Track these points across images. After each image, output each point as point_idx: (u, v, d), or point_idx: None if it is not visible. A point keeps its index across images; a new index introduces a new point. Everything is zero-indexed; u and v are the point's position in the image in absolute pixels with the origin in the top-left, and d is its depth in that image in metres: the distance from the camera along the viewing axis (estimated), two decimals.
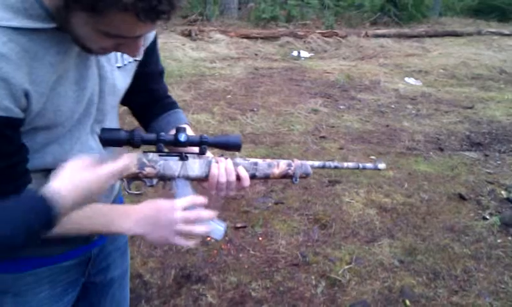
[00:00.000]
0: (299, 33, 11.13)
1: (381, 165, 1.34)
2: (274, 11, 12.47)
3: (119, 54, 1.08)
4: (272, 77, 7.83)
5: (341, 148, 4.83)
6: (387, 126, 5.66)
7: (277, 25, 12.19)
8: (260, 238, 3.19)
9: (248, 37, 10.82)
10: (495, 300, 2.66)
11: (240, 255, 3.00)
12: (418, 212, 3.60)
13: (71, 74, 0.97)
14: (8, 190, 0.89)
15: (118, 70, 1.09)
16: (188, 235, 1.10)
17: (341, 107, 6.39)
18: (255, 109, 6.02)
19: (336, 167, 1.33)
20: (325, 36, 11.12)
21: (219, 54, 9.36)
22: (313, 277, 2.83)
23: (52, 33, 0.89)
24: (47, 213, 0.84)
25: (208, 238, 3.13)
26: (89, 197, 0.92)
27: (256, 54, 9.71)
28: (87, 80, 1.00)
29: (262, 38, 10.89)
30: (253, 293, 2.67)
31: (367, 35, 11.43)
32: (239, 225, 3.29)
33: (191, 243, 1.11)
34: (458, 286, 2.78)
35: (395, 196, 3.82)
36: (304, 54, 10.02)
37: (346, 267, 2.92)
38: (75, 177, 0.89)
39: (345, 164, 1.34)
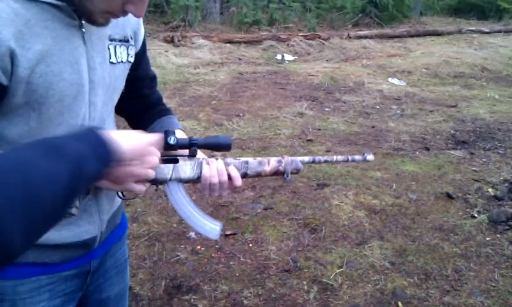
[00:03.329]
0: (281, 36, 11.16)
1: (370, 157, 1.34)
2: (256, 15, 12.48)
3: (112, 50, 1.10)
4: (256, 81, 7.83)
5: (328, 151, 4.83)
6: (373, 127, 5.68)
7: (260, 29, 12.20)
8: (251, 245, 3.16)
9: (230, 42, 10.80)
10: (487, 299, 2.67)
11: (231, 263, 2.98)
12: (407, 212, 3.61)
13: (65, 56, 0.98)
14: None
15: (110, 65, 1.11)
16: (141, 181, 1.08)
17: (326, 109, 6.41)
18: (241, 114, 6.01)
19: (326, 161, 1.33)
20: (308, 39, 11.15)
21: (202, 59, 9.32)
22: (305, 282, 2.81)
23: (47, 10, 0.93)
24: (105, 156, 0.79)
25: (199, 247, 3.10)
26: (139, 160, 0.97)
27: (240, 59, 9.69)
28: (79, 65, 1.02)
29: (245, 42, 10.89)
30: (245, 301, 2.65)
31: (349, 37, 11.49)
32: (228, 232, 3.27)
33: (144, 188, 1.09)
34: (449, 286, 2.79)
35: (383, 197, 3.83)
36: (288, 57, 10.04)
37: (338, 270, 2.91)
38: (132, 135, 0.92)
39: (335, 158, 1.34)
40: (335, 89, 7.40)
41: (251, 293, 2.71)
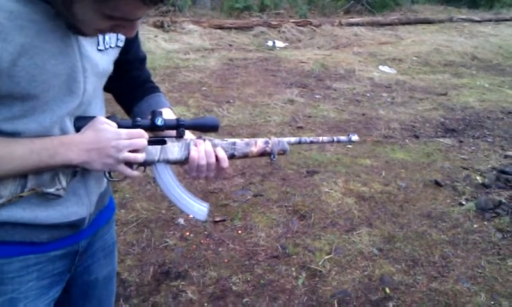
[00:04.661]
0: (272, 23, 11.10)
1: (354, 138, 1.39)
2: (247, 0, 12.40)
3: (101, 37, 1.10)
4: (247, 68, 7.79)
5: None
6: (363, 115, 5.68)
7: (250, 15, 12.13)
8: (240, 232, 3.16)
9: (221, 27, 10.73)
10: (473, 285, 2.69)
11: (220, 249, 2.97)
12: (395, 199, 3.62)
13: (49, 47, 0.96)
14: None
15: (98, 52, 1.10)
16: (131, 164, 1.11)
17: (317, 96, 6.39)
18: (231, 101, 5.98)
19: (312, 142, 1.38)
20: (299, 26, 11.11)
21: (192, 45, 9.25)
22: (293, 268, 2.82)
23: (33, 3, 0.91)
24: None
25: (187, 233, 3.09)
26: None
27: (230, 45, 9.64)
28: (66, 56, 1.00)
29: (235, 29, 10.82)
30: (234, 287, 2.65)
31: (340, 24, 11.46)
32: (217, 219, 3.26)
33: (135, 173, 1.12)
34: (437, 272, 2.81)
35: (372, 184, 3.84)
36: (279, 43, 10.00)
37: (326, 257, 2.91)
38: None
39: (321, 139, 1.39)
40: (325, 77, 7.38)
41: (239, 279, 2.71)
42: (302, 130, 5.07)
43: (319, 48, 9.77)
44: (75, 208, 1.13)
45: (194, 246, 2.98)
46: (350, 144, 4.59)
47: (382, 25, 11.90)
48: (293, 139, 1.33)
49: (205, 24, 10.67)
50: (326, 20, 11.94)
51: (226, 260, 2.87)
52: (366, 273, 2.78)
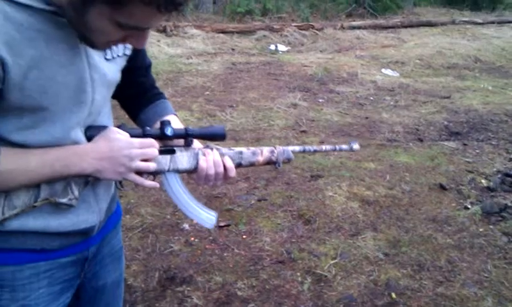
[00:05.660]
0: (275, 27, 11.10)
1: (355, 146, 1.44)
2: (249, 4, 12.42)
3: None
4: (250, 72, 7.79)
5: (322, 142, 4.83)
6: (366, 118, 5.68)
7: (253, 19, 12.15)
8: (244, 236, 3.15)
9: (223, 32, 10.74)
10: (480, 290, 2.68)
11: (225, 254, 2.97)
12: (400, 203, 3.61)
13: (58, 58, 0.96)
14: None
15: (106, 62, 1.10)
16: (143, 173, 1.13)
17: (320, 100, 6.39)
18: (234, 105, 5.98)
19: (315, 151, 1.43)
20: (301, 29, 11.11)
21: (195, 49, 9.27)
22: (299, 273, 2.81)
23: (41, 13, 0.91)
24: None
25: (192, 239, 3.09)
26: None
27: (233, 49, 9.65)
28: (75, 66, 1.00)
29: (238, 33, 10.83)
30: (239, 293, 2.64)
31: (342, 27, 11.47)
32: (222, 224, 3.26)
33: (147, 182, 1.13)
34: (443, 276, 2.80)
35: (377, 188, 3.83)
36: (282, 47, 10.00)
37: (331, 262, 2.91)
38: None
39: (324, 147, 1.45)
40: (328, 80, 7.38)
41: (245, 284, 2.70)
42: (305, 134, 5.06)
43: (322, 51, 9.77)
44: (85, 215, 1.14)
45: (199, 251, 2.98)
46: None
47: (384, 28, 11.89)
48: (297, 148, 1.37)
49: (207, 28, 10.69)
50: (328, 23, 11.95)
51: (231, 265, 2.86)
52: (372, 278, 2.77)
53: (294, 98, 6.29)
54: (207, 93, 6.55)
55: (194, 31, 10.37)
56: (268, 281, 2.74)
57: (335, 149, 1.44)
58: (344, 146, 1.44)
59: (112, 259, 1.36)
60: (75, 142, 1.06)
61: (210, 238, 3.11)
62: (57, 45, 0.96)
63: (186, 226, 3.21)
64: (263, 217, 3.39)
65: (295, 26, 11.18)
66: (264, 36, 10.66)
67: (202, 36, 10.16)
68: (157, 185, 1.16)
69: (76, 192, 1.06)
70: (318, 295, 2.64)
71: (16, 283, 1.09)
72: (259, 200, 3.60)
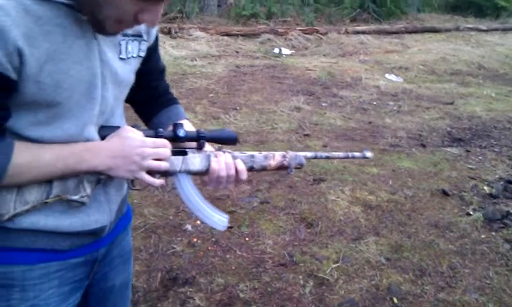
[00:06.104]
0: (279, 30, 11.13)
1: (369, 154, 1.42)
2: (254, 8, 12.44)
3: (123, 45, 1.11)
4: (254, 75, 7.81)
5: (325, 146, 4.84)
6: (370, 123, 5.69)
7: (257, 22, 12.17)
8: (247, 239, 3.16)
9: (228, 34, 10.77)
10: (481, 296, 2.68)
11: (227, 256, 2.98)
12: (402, 208, 3.62)
13: (74, 53, 0.97)
14: None
15: (120, 61, 1.11)
16: (153, 172, 1.13)
17: (323, 104, 6.40)
18: (238, 108, 6.00)
19: (328, 157, 1.40)
20: (305, 33, 11.13)
21: (199, 51, 9.28)
22: (301, 277, 2.82)
23: (58, 7, 0.93)
24: None
25: (195, 240, 3.10)
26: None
27: (237, 52, 9.67)
28: (89, 61, 1.01)
29: (242, 36, 10.85)
30: (241, 295, 2.65)
31: (347, 32, 11.48)
32: None
33: (158, 181, 1.13)
34: (444, 282, 2.80)
35: (379, 193, 3.84)
36: (286, 51, 10.02)
37: (333, 265, 2.91)
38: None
39: (336, 154, 1.41)
40: (332, 84, 7.39)
41: (247, 286, 2.71)
42: (309, 137, 5.07)
43: (326, 56, 9.78)
44: (96, 216, 1.14)
45: (202, 253, 2.99)
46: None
47: (388, 33, 11.90)
48: (309, 154, 1.35)
49: (212, 31, 10.72)
50: (333, 28, 11.96)
51: (233, 267, 2.87)
52: (373, 282, 2.78)
53: (298, 102, 6.30)
54: (211, 95, 6.56)
55: (199, 33, 10.39)
56: (270, 283, 2.75)
57: (347, 157, 1.41)
58: (357, 154, 1.42)
59: (122, 261, 1.37)
60: (89, 140, 1.07)
61: (213, 239, 3.12)
62: (74, 40, 0.97)
63: (189, 226, 3.22)
64: (265, 219, 3.40)
65: (299, 30, 11.20)
66: (268, 39, 10.68)
67: (207, 39, 10.19)
68: (164, 182, 1.16)
69: (88, 190, 1.07)
70: (320, 298, 2.64)
71: (26, 283, 1.09)
72: (262, 203, 3.61)
